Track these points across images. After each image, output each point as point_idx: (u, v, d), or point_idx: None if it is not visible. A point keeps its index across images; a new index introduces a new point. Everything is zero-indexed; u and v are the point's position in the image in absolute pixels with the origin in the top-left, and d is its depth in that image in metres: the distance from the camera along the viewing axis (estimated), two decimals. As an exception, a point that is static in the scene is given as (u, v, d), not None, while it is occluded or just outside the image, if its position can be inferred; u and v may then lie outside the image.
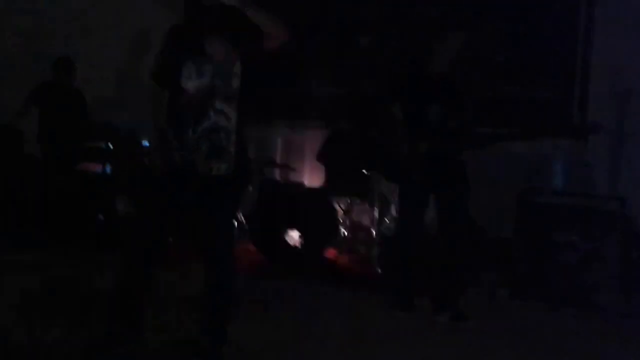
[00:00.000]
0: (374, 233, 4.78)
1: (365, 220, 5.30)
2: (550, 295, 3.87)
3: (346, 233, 5.02)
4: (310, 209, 4.75)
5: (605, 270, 3.74)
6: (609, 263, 3.75)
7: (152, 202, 2.46)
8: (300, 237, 4.70)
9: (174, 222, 2.50)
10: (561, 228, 3.96)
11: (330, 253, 4.88)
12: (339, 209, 5.02)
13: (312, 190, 5.32)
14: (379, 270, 4.45)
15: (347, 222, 5.05)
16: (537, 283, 3.97)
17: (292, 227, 4.73)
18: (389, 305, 3.54)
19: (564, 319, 3.65)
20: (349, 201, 5.04)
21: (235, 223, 5.36)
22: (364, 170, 5.00)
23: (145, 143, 5.03)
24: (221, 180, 2.36)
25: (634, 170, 4.61)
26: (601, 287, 3.73)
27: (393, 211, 4.96)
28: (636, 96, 4.68)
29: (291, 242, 4.72)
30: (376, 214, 4.88)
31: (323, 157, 5.35)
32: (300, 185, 5.51)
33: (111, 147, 5.12)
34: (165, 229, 2.45)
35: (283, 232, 4.73)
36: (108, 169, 5.06)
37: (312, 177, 5.64)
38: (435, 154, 3.38)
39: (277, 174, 6.03)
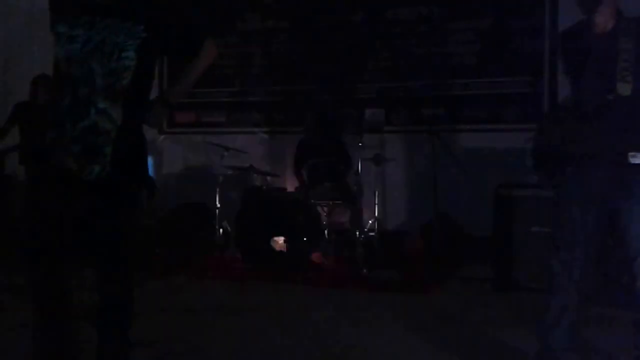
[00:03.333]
0: (357, 234, 4.85)
1: (347, 223, 5.40)
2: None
3: (329, 235, 5.09)
4: (294, 214, 4.81)
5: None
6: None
7: (32, 207, 2.15)
8: (285, 242, 4.75)
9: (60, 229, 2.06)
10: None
11: (316, 256, 4.94)
12: (322, 212, 5.10)
13: (294, 195, 5.39)
14: (364, 271, 4.52)
15: (330, 225, 5.12)
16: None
17: (277, 232, 4.78)
18: None
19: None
20: (330, 204, 5.11)
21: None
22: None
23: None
24: (95, 185, 2.00)
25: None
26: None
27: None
28: None
29: (277, 248, 4.77)
30: (357, 215, 4.95)
31: (298, 167, 5.52)
32: (283, 190, 5.57)
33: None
34: (51, 236, 2.04)
35: (268, 237, 4.77)
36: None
37: (293, 183, 5.70)
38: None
39: (259, 181, 6.11)
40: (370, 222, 5.40)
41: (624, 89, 2.18)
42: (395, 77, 5.85)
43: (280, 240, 4.77)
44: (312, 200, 5.03)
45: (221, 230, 5.45)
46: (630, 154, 2.22)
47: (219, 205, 5.42)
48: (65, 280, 2.05)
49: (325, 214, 5.12)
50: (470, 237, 5.14)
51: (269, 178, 5.86)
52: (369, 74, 5.94)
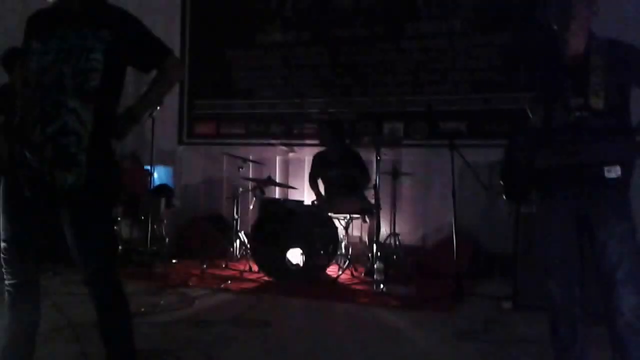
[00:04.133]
0: (375, 248, 4.81)
1: (365, 236, 5.37)
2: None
3: (346, 249, 5.06)
4: (311, 227, 4.79)
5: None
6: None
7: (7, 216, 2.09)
8: (302, 254, 4.72)
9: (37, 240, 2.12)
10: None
11: (332, 270, 4.92)
12: (339, 225, 5.07)
13: (312, 207, 5.37)
14: (382, 285, 4.47)
15: (347, 239, 5.09)
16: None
17: (294, 244, 4.75)
18: None
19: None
20: (348, 217, 5.09)
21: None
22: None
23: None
24: (68, 193, 1.99)
25: None
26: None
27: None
28: None
29: (293, 260, 4.74)
30: (375, 229, 4.91)
31: (314, 180, 5.56)
32: (301, 203, 5.56)
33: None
34: (28, 245, 2.10)
35: (285, 250, 4.75)
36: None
37: (311, 195, 5.69)
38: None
39: (277, 193, 6.12)
40: (388, 236, 5.36)
41: (597, 103, 2.17)
42: (415, 91, 5.84)
43: (297, 252, 4.74)
44: (330, 213, 5.01)
45: (238, 241, 5.45)
46: (606, 168, 2.19)
47: (236, 216, 5.43)
48: (37, 290, 2.14)
49: (342, 227, 5.09)
50: (490, 253, 5.08)
51: (286, 190, 5.87)
52: (388, 88, 5.93)
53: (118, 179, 2.18)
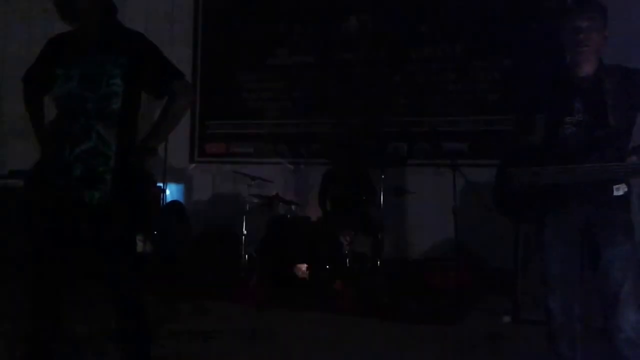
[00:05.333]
0: (379, 263, 4.92)
1: (369, 251, 5.48)
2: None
3: (351, 264, 5.17)
4: (317, 242, 4.91)
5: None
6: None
7: (36, 233, 2.20)
8: (307, 269, 4.84)
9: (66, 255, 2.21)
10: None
11: (338, 284, 5.02)
12: (344, 241, 5.19)
13: (317, 224, 5.50)
14: (385, 300, 4.57)
15: (352, 254, 5.21)
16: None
17: (300, 260, 4.88)
18: None
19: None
20: (353, 233, 5.21)
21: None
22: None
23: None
24: (96, 210, 2.13)
25: None
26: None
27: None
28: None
29: (299, 275, 4.86)
30: (379, 245, 5.03)
31: (323, 198, 5.67)
32: (307, 219, 5.70)
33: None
34: (58, 263, 2.19)
35: (291, 265, 4.87)
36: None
37: (317, 212, 5.83)
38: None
39: (284, 209, 6.26)
40: (391, 252, 5.47)
41: (614, 123, 2.25)
42: (418, 112, 6.00)
43: (303, 267, 4.86)
44: (335, 230, 5.13)
45: (247, 256, 5.59)
46: (615, 186, 2.27)
47: (245, 233, 5.57)
48: (61, 304, 2.22)
49: (347, 243, 5.21)
50: (491, 269, 5.17)
51: (293, 207, 6.01)
52: (393, 109, 6.10)
53: (144, 195, 2.34)
